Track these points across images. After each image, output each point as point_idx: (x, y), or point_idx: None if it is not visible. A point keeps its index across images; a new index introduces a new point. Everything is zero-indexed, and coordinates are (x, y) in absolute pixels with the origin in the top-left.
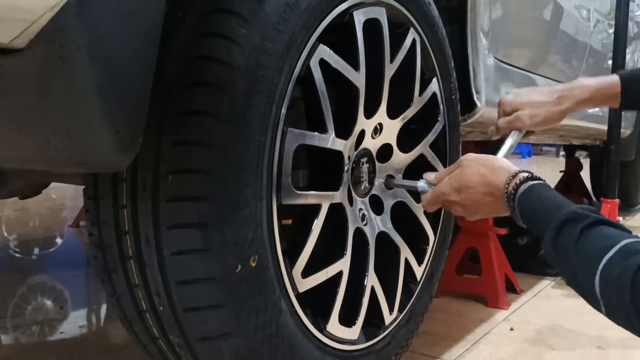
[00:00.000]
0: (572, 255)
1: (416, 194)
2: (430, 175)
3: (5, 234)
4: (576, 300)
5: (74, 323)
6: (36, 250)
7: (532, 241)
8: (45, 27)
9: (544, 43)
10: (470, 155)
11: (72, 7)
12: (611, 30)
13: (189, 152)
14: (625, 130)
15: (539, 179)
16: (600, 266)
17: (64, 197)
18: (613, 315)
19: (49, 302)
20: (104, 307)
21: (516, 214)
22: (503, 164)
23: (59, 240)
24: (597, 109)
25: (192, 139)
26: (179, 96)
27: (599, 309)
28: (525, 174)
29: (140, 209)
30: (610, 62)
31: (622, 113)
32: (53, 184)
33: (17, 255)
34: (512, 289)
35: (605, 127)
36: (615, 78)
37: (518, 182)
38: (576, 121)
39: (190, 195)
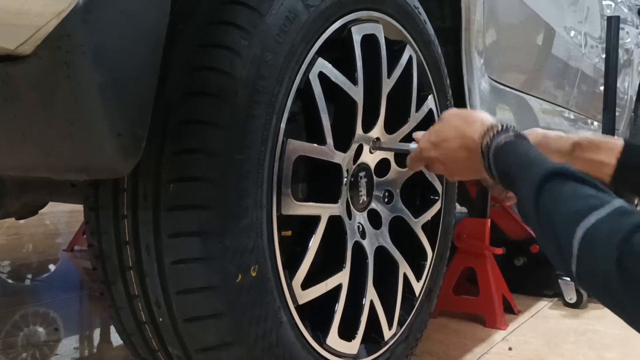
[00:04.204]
0: (553, 213)
1: (415, 210)
2: (418, 134)
3: None
4: (574, 321)
5: (69, 345)
6: (30, 275)
7: (529, 262)
8: (51, 33)
9: (537, 65)
10: (452, 109)
11: (79, 13)
12: (603, 55)
13: (190, 160)
14: None
15: (516, 131)
16: (587, 223)
17: (58, 222)
18: (586, 276)
19: (43, 325)
20: (98, 330)
21: (492, 171)
22: (481, 116)
23: (53, 265)
24: (589, 132)
25: (194, 148)
26: (181, 105)
27: (567, 269)
28: (501, 126)
29: (140, 218)
30: (602, 87)
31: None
32: (47, 210)
33: (10, 280)
34: (510, 310)
35: None
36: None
37: (492, 135)
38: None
39: (191, 203)
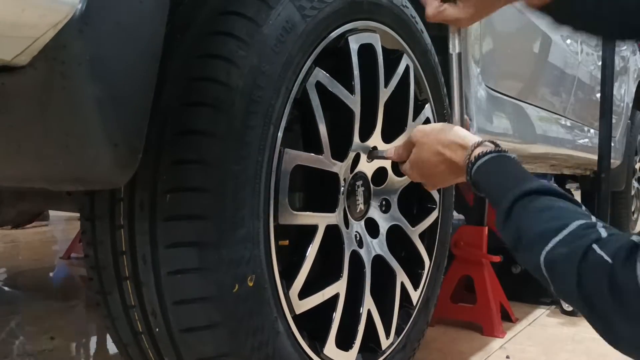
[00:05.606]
0: (519, 234)
1: (412, 219)
2: (390, 151)
3: None
4: (572, 329)
5: (65, 354)
6: (26, 282)
7: (527, 270)
8: (47, 44)
9: (534, 73)
10: (420, 132)
11: (75, 24)
12: (599, 63)
13: (187, 171)
14: (615, 161)
15: (499, 150)
16: (547, 248)
17: (55, 229)
18: (561, 294)
19: (39, 333)
20: (94, 338)
21: (475, 188)
22: (455, 136)
23: (50, 272)
24: (586, 140)
25: (191, 158)
26: (178, 116)
27: (548, 286)
28: (480, 149)
29: (137, 228)
30: (598, 94)
31: (612, 144)
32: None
33: (6, 288)
34: (507, 318)
35: (595, 157)
36: None
37: (474, 159)
38: (567, 150)
39: (187, 214)
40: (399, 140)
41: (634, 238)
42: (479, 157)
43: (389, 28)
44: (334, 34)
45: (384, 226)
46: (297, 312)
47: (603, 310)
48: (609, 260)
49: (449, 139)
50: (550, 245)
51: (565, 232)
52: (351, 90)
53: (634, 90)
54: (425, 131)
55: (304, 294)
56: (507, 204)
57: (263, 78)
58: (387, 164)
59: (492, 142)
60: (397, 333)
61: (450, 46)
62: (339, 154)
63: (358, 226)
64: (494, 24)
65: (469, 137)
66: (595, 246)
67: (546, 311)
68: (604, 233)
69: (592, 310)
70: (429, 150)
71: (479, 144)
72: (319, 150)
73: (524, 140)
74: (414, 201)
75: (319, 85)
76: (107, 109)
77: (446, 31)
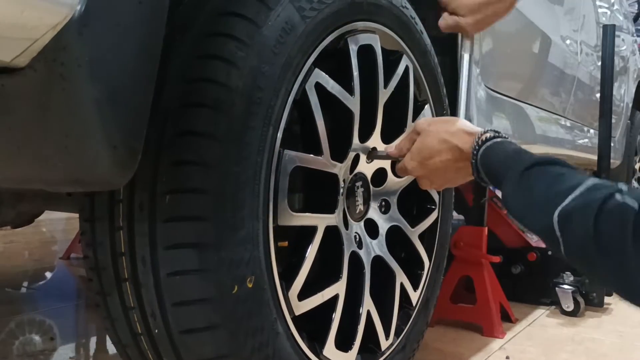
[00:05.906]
0: (532, 197)
1: (412, 219)
2: (390, 147)
3: None
4: (572, 329)
5: (65, 355)
6: (26, 283)
7: (526, 270)
8: (47, 46)
9: (534, 74)
10: (425, 121)
11: (74, 25)
12: (599, 63)
13: (186, 172)
14: (615, 161)
15: (503, 136)
16: (563, 204)
17: (55, 230)
18: (572, 251)
19: (39, 334)
20: (94, 339)
21: (479, 173)
22: (462, 125)
23: (49, 273)
24: (586, 140)
25: (190, 159)
26: (177, 117)
27: (557, 249)
28: (489, 134)
29: (136, 229)
30: (598, 94)
31: (612, 144)
32: (44, 217)
33: (6, 288)
34: (507, 318)
35: (595, 157)
36: None
37: (481, 142)
38: (566, 150)
39: (187, 215)
40: (399, 141)
41: None
42: (487, 139)
43: (389, 29)
44: (333, 35)
45: (383, 227)
46: (297, 313)
47: (621, 261)
48: (635, 207)
49: (456, 127)
50: (566, 201)
51: (582, 187)
52: (351, 91)
53: (633, 90)
54: (430, 120)
55: (303, 295)
56: (516, 173)
57: (263, 79)
58: (386, 165)
59: (497, 132)
60: (397, 334)
61: (461, 48)
62: (339, 155)
63: (357, 227)
64: (493, 25)
65: (476, 127)
66: (617, 195)
67: (546, 311)
68: (623, 187)
69: (608, 262)
70: (434, 137)
71: (486, 131)
72: (318, 151)
73: (523, 141)
74: (414, 202)
75: (319, 86)
76: (107, 110)
77: (444, 31)
